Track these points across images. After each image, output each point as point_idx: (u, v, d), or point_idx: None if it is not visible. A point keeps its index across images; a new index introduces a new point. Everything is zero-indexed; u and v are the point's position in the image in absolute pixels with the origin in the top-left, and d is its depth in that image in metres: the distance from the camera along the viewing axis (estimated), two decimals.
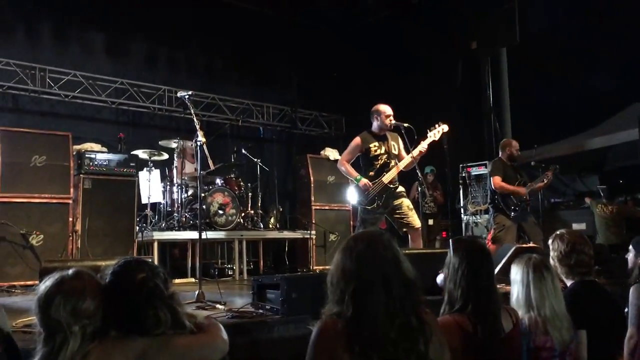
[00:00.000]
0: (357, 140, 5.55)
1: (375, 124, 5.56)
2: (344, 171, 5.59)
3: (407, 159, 5.45)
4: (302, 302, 3.24)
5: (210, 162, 4.61)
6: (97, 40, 8.99)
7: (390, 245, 1.88)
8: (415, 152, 5.35)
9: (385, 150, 5.49)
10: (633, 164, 8.30)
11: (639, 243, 3.75)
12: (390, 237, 1.92)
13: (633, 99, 8.96)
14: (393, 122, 5.48)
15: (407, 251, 2.38)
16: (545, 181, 6.59)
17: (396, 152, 5.56)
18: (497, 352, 2.29)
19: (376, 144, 5.49)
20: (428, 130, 5.50)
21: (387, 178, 5.38)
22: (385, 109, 5.52)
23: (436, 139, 5.48)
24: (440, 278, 2.52)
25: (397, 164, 5.48)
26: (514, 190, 6.45)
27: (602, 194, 8.36)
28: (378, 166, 5.45)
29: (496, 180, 6.52)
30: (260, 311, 3.45)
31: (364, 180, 5.35)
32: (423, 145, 5.39)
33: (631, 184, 8.72)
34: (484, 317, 2.28)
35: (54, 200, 6.06)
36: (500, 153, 6.83)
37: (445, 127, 5.52)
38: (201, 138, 4.47)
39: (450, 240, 2.51)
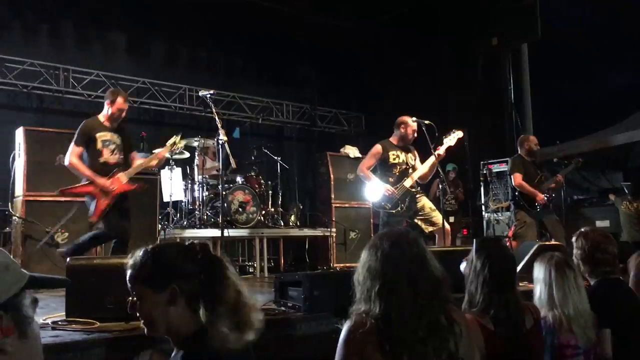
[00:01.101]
0: (377, 147, 5.71)
1: (398, 134, 5.72)
2: (363, 177, 5.76)
3: (422, 169, 5.62)
4: (323, 299, 3.26)
5: (232, 160, 4.64)
6: (119, 40, 9.11)
7: (416, 243, 1.87)
8: (431, 160, 5.54)
9: (404, 160, 5.67)
10: None
11: None
12: (416, 236, 1.92)
13: None
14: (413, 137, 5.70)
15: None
16: (555, 184, 6.58)
17: (413, 163, 5.74)
18: (518, 350, 2.28)
19: (395, 152, 5.66)
20: (443, 137, 5.63)
21: (408, 183, 5.55)
22: (413, 124, 5.67)
23: (452, 144, 5.64)
24: (463, 265, 2.52)
25: (412, 173, 5.65)
26: (532, 192, 6.40)
27: (626, 191, 8.24)
28: (397, 173, 5.62)
29: (517, 178, 6.48)
30: (283, 309, 3.47)
31: (387, 186, 5.46)
32: (440, 152, 5.57)
33: None
34: (505, 320, 2.28)
35: (78, 199, 6.14)
36: (518, 149, 6.78)
37: (460, 133, 5.68)
38: (223, 136, 4.51)
39: (475, 240, 2.50)
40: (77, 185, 4.97)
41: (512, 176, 6.58)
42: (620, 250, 3.14)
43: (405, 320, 1.73)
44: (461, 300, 2.39)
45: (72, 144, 4.91)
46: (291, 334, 3.13)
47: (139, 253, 1.79)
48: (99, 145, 4.91)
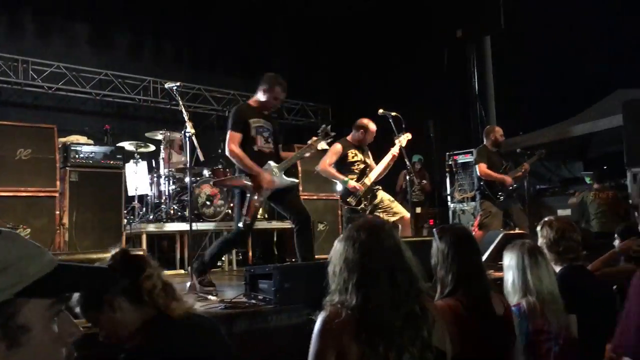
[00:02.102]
0: (337, 146, 5.74)
1: (356, 136, 5.83)
2: (329, 175, 5.79)
3: (379, 167, 5.72)
4: (294, 291, 3.26)
5: (200, 153, 4.55)
6: (81, 31, 8.90)
7: (393, 234, 1.88)
8: (387, 159, 5.68)
9: (361, 158, 5.79)
10: (617, 150, 8.34)
11: (623, 231, 3.84)
12: (391, 227, 1.94)
13: (617, 85, 9.04)
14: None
15: None
16: (521, 172, 6.70)
17: (369, 162, 5.87)
18: (490, 335, 2.32)
19: (353, 151, 5.78)
20: (394, 138, 5.75)
21: (369, 180, 5.67)
22: (374, 129, 5.79)
23: (403, 145, 5.73)
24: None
25: (370, 171, 5.77)
26: (499, 178, 6.53)
27: (594, 179, 8.14)
28: (357, 171, 5.73)
29: (481, 168, 6.59)
30: (253, 301, 3.46)
31: (353, 183, 5.55)
32: (394, 150, 5.68)
33: (615, 170, 8.75)
34: (475, 299, 2.31)
35: (41, 194, 5.99)
36: (484, 140, 6.89)
37: (408, 135, 5.78)
38: (190, 129, 4.44)
39: (434, 230, 2.55)
40: (232, 177, 4.70)
41: (477, 166, 6.68)
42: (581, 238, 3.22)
43: (382, 311, 1.75)
44: (431, 290, 2.42)
45: (229, 131, 4.52)
46: (263, 326, 3.13)
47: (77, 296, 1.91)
48: (253, 132, 4.52)
